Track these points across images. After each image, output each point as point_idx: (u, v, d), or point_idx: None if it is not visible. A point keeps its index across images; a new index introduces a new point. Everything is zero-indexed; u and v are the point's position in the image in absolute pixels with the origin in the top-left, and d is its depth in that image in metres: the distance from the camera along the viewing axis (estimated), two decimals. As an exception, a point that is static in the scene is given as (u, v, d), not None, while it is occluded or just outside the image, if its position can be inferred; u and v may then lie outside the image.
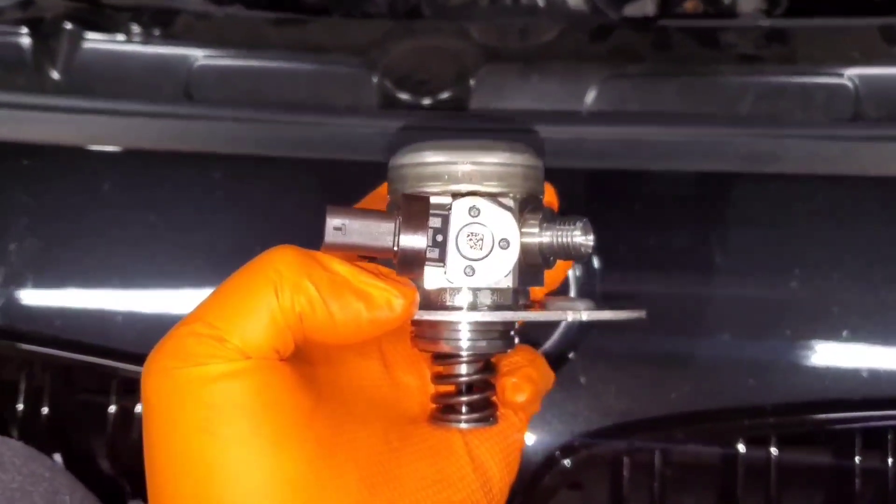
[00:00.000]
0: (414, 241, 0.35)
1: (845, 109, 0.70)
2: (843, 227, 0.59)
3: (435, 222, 0.35)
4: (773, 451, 0.54)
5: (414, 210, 0.35)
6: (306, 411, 0.34)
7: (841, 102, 0.70)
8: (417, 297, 0.35)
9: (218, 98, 0.76)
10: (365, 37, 0.80)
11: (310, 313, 0.34)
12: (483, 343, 0.37)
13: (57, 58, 0.81)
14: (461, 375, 0.38)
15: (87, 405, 0.64)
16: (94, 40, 0.82)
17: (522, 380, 0.39)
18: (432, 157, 0.36)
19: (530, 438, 0.56)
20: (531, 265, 0.37)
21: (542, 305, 0.40)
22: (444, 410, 0.38)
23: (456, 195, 0.36)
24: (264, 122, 0.70)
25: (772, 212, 0.60)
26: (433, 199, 0.36)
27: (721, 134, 0.64)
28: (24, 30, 0.82)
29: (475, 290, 0.36)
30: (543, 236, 0.37)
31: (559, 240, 0.36)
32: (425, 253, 0.35)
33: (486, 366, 0.39)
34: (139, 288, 0.63)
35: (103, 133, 0.70)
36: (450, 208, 0.35)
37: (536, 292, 0.41)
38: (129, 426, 0.62)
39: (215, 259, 0.62)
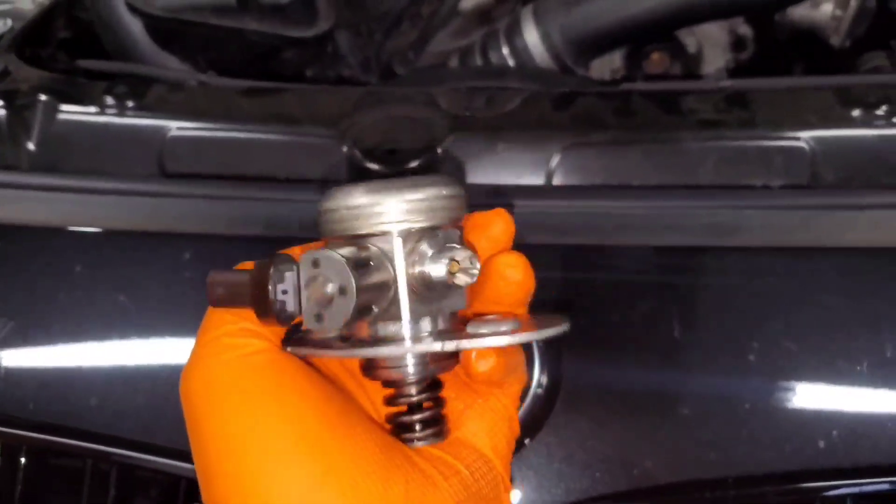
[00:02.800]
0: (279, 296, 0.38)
1: (803, 173, 0.71)
2: (802, 300, 0.60)
3: (281, 277, 0.38)
4: (735, 522, 0.56)
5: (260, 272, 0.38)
6: (321, 386, 0.39)
7: (798, 166, 0.72)
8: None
9: (191, 170, 0.78)
10: (335, 107, 0.81)
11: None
12: (426, 366, 0.40)
13: (32, 130, 0.82)
14: (411, 396, 0.41)
15: (61, 488, 0.65)
16: (69, 112, 0.83)
17: (485, 351, 0.41)
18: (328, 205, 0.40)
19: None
20: (434, 290, 0.39)
21: (475, 326, 0.41)
22: (398, 430, 0.41)
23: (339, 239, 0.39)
24: (234, 199, 0.71)
25: (731, 284, 0.61)
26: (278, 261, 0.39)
27: (681, 207, 0.66)
28: (0, 102, 0.84)
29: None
30: (427, 265, 0.39)
31: (430, 272, 0.39)
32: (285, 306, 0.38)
33: (432, 384, 0.41)
34: (112, 370, 0.64)
35: (76, 214, 0.71)
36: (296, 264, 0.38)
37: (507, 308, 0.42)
38: (103, 507, 0.62)
39: (186, 342, 0.63)
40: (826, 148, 0.72)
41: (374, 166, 0.75)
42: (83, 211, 0.72)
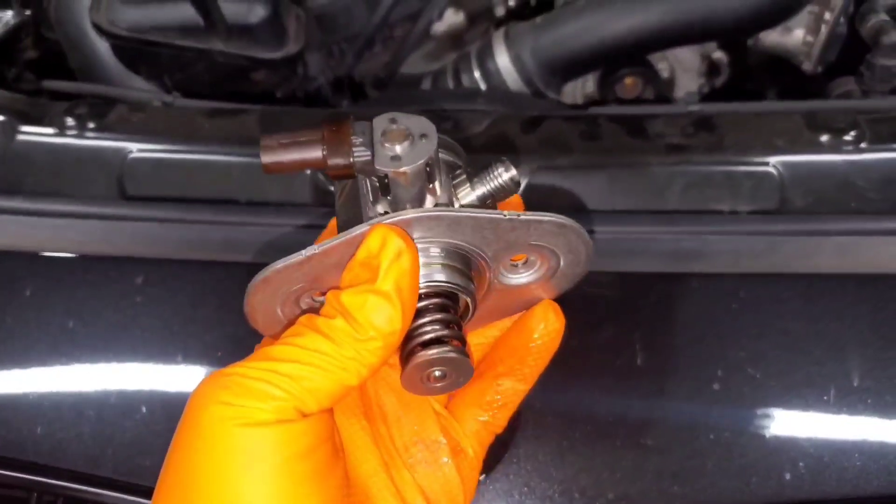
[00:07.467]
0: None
1: (771, 197, 0.71)
2: (766, 326, 0.59)
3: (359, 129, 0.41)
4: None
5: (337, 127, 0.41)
6: (327, 460, 0.39)
7: (767, 190, 0.71)
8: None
9: (151, 192, 0.76)
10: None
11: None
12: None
13: (-10, 150, 0.80)
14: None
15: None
16: (28, 133, 0.81)
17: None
18: None
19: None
20: None
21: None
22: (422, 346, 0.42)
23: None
24: (192, 223, 0.69)
25: (695, 311, 0.60)
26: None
27: (647, 232, 0.65)
28: (-41, 122, 0.82)
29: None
30: (477, 189, 0.43)
31: (491, 185, 0.43)
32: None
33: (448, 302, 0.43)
34: (59, 398, 0.61)
35: (30, 236, 0.69)
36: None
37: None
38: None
39: (136, 367, 0.61)
40: (795, 173, 0.71)
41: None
42: (38, 234, 0.70)
